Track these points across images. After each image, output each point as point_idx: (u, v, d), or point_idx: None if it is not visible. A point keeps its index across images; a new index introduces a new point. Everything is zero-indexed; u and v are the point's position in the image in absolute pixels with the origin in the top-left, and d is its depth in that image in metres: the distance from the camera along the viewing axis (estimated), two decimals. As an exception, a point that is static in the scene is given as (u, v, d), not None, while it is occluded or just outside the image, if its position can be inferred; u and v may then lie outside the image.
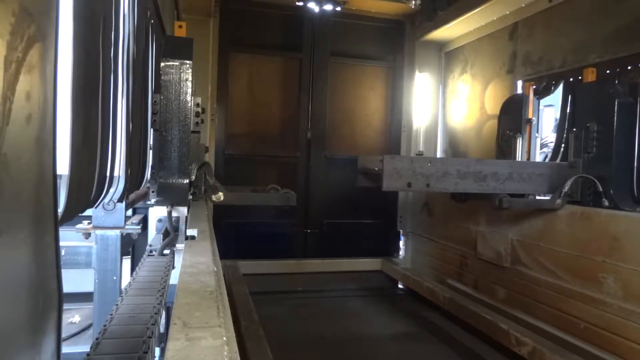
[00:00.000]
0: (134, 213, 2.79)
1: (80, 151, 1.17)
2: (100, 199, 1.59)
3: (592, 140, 3.39)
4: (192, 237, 2.00)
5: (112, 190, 1.74)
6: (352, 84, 6.03)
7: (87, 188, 1.31)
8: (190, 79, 2.61)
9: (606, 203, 3.24)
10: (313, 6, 5.67)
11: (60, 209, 1.09)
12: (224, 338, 0.91)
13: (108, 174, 1.55)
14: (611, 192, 3.26)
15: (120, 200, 2.03)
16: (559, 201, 3.43)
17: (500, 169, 3.37)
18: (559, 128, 3.84)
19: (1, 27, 0.55)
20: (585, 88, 3.59)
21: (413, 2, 5.56)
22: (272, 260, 5.51)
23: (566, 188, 3.40)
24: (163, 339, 1.66)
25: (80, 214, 1.42)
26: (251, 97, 5.76)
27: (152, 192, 2.63)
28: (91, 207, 1.50)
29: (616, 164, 3.27)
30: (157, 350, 1.81)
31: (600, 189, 3.28)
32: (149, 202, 2.67)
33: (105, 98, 1.46)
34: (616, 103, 3.25)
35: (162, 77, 2.57)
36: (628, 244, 2.93)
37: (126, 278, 2.15)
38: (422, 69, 5.90)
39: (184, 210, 2.62)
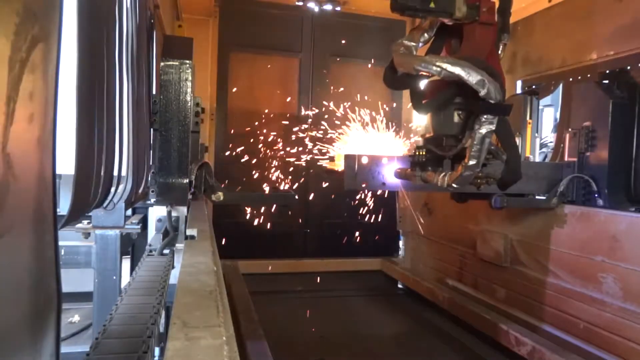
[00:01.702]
0: (134, 213, 2.78)
1: (87, 151, 1.17)
2: (110, 198, 1.59)
3: (587, 140, 3.41)
4: (192, 237, 2.01)
5: (120, 189, 1.74)
6: (352, 84, 6.03)
7: (94, 188, 1.31)
8: (190, 79, 2.61)
9: (600, 202, 3.27)
10: (313, 6, 5.66)
11: (67, 209, 1.09)
12: (224, 338, 0.91)
13: (116, 173, 1.55)
14: (605, 191, 3.28)
15: (127, 200, 2.03)
16: (554, 200, 3.45)
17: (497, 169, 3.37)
18: (559, 128, 3.85)
19: (5, 27, 0.55)
20: (580, 88, 3.60)
21: (413, 2, 5.55)
22: (272, 260, 5.51)
23: (561, 187, 3.44)
24: (163, 339, 1.66)
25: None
26: (251, 97, 5.76)
27: (152, 191, 2.63)
28: (98, 207, 1.50)
29: (610, 164, 3.29)
30: (157, 350, 1.81)
31: (595, 189, 3.32)
32: (148, 202, 2.67)
33: (109, 98, 1.46)
34: (611, 104, 3.27)
35: (162, 77, 2.58)
36: (628, 244, 2.93)
37: (126, 278, 2.15)
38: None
39: (183, 210, 2.62)
